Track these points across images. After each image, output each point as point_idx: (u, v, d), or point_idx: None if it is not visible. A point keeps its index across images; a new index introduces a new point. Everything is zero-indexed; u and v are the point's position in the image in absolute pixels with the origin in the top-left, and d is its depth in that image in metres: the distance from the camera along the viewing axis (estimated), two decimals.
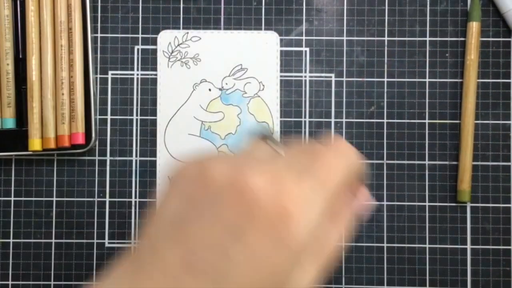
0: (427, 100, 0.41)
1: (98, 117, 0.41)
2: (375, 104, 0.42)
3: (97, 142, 0.41)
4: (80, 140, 0.39)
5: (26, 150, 0.39)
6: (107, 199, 0.41)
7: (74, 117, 0.39)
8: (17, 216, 0.41)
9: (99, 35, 0.42)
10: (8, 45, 0.39)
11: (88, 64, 0.40)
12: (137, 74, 0.42)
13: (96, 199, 0.41)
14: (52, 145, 0.39)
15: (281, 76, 0.41)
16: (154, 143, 0.41)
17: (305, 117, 0.42)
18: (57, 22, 0.39)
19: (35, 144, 0.39)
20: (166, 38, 0.41)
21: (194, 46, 0.41)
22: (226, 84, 0.41)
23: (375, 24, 0.42)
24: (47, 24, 0.39)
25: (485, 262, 0.41)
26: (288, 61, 0.42)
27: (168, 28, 0.42)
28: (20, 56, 0.40)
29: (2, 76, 0.39)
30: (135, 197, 0.41)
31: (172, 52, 0.41)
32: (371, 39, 0.42)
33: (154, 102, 0.41)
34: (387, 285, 0.41)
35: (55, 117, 0.39)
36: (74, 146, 0.40)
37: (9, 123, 0.39)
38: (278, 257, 0.20)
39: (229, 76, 0.41)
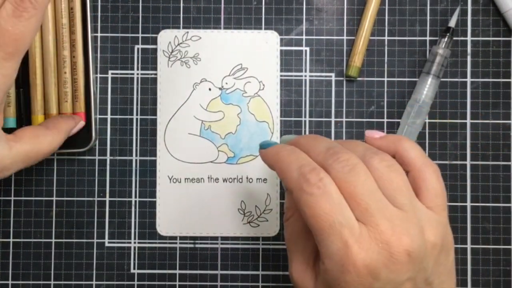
0: None
1: (98, 116, 0.41)
2: (375, 103, 0.42)
3: (97, 142, 0.41)
4: (83, 119, 0.39)
5: None
6: (107, 199, 0.41)
7: (77, 97, 0.39)
8: (17, 215, 0.41)
9: (99, 34, 0.42)
10: None
11: (88, 63, 0.40)
12: (137, 74, 0.42)
13: (96, 198, 0.41)
14: None
15: (281, 76, 0.42)
16: (154, 143, 0.41)
17: (305, 117, 0.42)
18: (59, 26, 0.39)
19: (38, 120, 0.39)
20: (166, 38, 0.41)
21: (194, 46, 0.41)
22: (226, 83, 0.41)
23: (375, 23, 0.42)
24: (49, 21, 0.39)
25: (485, 262, 0.41)
26: (288, 61, 0.42)
27: (168, 27, 0.42)
28: None
29: None
30: (135, 197, 0.41)
31: (172, 51, 0.41)
32: (371, 38, 0.42)
33: (154, 102, 0.41)
34: None
35: (58, 95, 0.39)
36: (74, 145, 0.40)
37: (10, 122, 0.39)
38: None
39: (229, 75, 0.41)
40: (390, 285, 0.26)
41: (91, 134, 0.40)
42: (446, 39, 0.41)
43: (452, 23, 0.41)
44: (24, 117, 0.40)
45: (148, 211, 0.41)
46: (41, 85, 0.39)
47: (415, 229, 0.27)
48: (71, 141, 0.39)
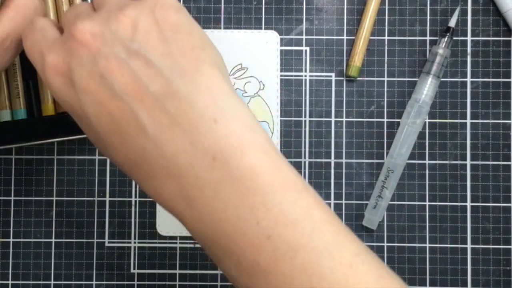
0: None
1: None
2: (375, 103, 0.42)
3: None
4: None
5: (39, 139, 0.39)
6: (107, 199, 0.41)
7: None
8: (17, 215, 0.41)
9: None
10: None
11: None
12: None
13: (96, 198, 0.41)
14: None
15: (281, 76, 0.42)
16: None
17: (305, 117, 0.42)
18: (60, 12, 0.39)
19: (49, 109, 0.39)
20: None
21: None
22: None
23: (375, 23, 0.42)
24: (50, 8, 0.39)
25: (485, 262, 0.41)
26: (288, 61, 0.42)
27: None
28: None
29: (8, 67, 0.39)
30: (135, 197, 0.41)
31: None
32: (371, 38, 0.42)
33: None
34: None
35: None
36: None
37: (21, 114, 0.39)
38: None
39: (229, 75, 0.41)
40: (86, 72, 0.27)
41: None
42: (446, 39, 0.41)
43: (452, 23, 0.41)
44: (34, 108, 0.40)
45: (148, 211, 0.41)
46: None
47: (103, 16, 0.28)
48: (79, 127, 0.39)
